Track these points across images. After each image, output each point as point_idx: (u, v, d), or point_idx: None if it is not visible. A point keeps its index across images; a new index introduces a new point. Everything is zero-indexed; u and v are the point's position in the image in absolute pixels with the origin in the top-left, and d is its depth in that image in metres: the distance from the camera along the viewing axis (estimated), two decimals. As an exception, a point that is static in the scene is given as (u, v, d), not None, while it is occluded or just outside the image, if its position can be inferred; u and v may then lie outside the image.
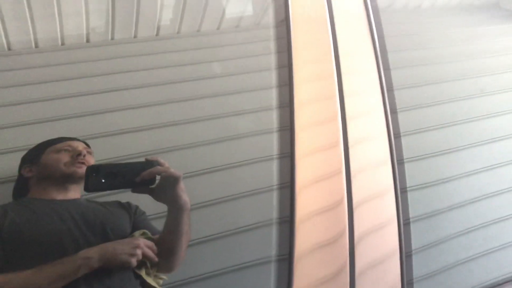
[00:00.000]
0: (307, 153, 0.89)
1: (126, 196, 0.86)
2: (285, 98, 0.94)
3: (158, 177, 0.80)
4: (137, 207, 0.88)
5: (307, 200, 0.86)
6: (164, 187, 0.80)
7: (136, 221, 0.88)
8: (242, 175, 0.95)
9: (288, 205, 0.86)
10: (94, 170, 0.77)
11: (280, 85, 0.98)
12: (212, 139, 0.98)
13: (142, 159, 0.81)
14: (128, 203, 0.88)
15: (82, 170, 0.84)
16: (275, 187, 0.91)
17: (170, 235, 0.82)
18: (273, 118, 0.96)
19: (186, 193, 0.80)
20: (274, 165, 0.93)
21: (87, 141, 0.93)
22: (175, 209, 0.81)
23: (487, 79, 1.39)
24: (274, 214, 0.89)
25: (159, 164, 0.80)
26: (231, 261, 0.86)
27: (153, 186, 0.80)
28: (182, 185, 0.80)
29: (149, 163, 0.80)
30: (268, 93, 0.99)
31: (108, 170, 0.78)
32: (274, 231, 0.88)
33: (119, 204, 0.89)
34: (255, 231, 0.91)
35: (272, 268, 0.85)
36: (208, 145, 0.97)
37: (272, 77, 1.00)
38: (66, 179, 0.88)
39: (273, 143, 0.94)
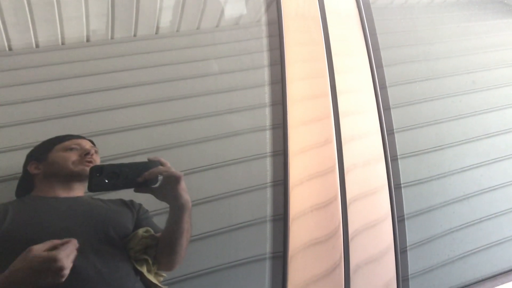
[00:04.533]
0: (300, 150, 0.90)
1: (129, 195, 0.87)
2: (278, 96, 0.94)
3: (160, 177, 0.81)
4: (140, 205, 0.88)
5: (301, 197, 0.86)
6: (166, 186, 0.81)
7: (139, 219, 0.88)
8: (235, 173, 0.95)
9: (281, 203, 0.86)
10: (98, 170, 0.78)
11: (272, 83, 0.98)
12: (205, 137, 0.98)
13: (138, 158, 0.82)
14: (132, 201, 0.88)
15: None
16: (268, 184, 0.91)
17: (171, 233, 0.82)
18: (266, 116, 0.96)
19: (187, 192, 0.81)
20: (268, 163, 0.93)
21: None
22: (177, 208, 0.81)
23: (482, 74, 1.39)
24: (268, 212, 0.89)
25: (161, 164, 0.82)
26: (225, 258, 0.86)
27: (155, 185, 0.81)
28: (183, 184, 0.81)
29: (151, 163, 0.81)
30: (260, 90, 1.00)
31: (111, 170, 0.79)
32: (268, 229, 0.88)
33: (122, 202, 0.89)
34: (249, 229, 0.91)
35: (267, 266, 0.86)
36: (201, 143, 0.98)
37: (264, 75, 1.00)
38: (73, 178, 0.88)
39: (266, 141, 0.94)
